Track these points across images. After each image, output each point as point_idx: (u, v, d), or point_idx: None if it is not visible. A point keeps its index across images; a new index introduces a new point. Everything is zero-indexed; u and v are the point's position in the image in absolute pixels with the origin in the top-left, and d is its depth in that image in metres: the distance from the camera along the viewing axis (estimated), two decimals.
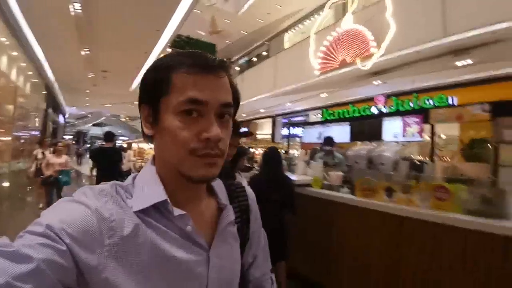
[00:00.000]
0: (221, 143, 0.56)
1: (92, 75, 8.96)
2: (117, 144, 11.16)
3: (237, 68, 16.39)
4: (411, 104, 8.45)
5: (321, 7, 9.65)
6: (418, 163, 4.18)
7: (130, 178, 0.62)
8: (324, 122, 11.15)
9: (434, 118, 5.90)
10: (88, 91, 11.77)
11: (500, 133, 3.91)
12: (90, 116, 25.35)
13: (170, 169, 0.58)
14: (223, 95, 0.57)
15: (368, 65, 7.13)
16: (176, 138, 0.54)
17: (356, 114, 9.96)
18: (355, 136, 8.43)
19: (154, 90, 0.57)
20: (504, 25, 5.15)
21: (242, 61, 16.75)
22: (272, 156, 3.21)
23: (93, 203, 0.52)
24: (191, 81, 0.54)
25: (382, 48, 6.92)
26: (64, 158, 6.62)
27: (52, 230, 0.46)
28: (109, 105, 15.96)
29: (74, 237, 0.47)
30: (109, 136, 5.63)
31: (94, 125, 30.84)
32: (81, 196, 0.53)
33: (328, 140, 5.27)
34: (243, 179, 2.56)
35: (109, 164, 5.36)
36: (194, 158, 0.55)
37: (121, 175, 5.57)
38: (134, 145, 13.97)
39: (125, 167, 7.48)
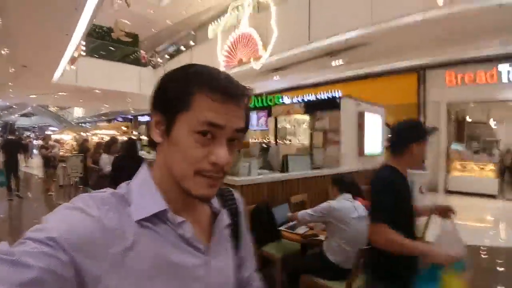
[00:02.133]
0: (226, 166, 0.58)
1: (13, 69, 9.51)
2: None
3: (167, 56, 17.15)
4: (261, 102, 10.85)
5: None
6: (265, 145, 5.89)
7: (124, 185, 0.62)
8: None
9: (274, 113, 7.75)
10: (11, 83, 12.11)
11: (313, 123, 5.65)
12: (15, 106, 24.63)
13: (172, 180, 0.59)
14: (238, 122, 0.59)
15: (258, 65, 8.72)
16: (186, 156, 0.56)
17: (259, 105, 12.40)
18: None
19: (173, 102, 0.57)
20: (353, 33, 6.89)
21: (171, 49, 17.51)
22: (131, 143, 4.46)
23: (95, 212, 0.52)
24: (213, 105, 0.55)
25: (268, 50, 8.53)
26: None
27: (54, 240, 0.46)
28: (33, 96, 16.08)
29: (77, 247, 0.48)
30: (12, 129, 6.82)
31: (22, 115, 29.71)
32: (82, 204, 0.53)
33: None
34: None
35: (12, 154, 6.71)
36: (199, 177, 0.56)
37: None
38: (56, 136, 14.32)
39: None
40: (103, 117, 24.04)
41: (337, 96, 10.65)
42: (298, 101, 8.07)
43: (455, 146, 10.05)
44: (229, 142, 0.59)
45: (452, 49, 7.87)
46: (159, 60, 15.84)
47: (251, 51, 8.87)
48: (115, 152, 4.99)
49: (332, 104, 5.10)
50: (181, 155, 0.56)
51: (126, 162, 4.08)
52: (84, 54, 10.31)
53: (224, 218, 0.71)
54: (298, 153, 4.84)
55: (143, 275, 0.53)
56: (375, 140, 5.60)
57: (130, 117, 21.92)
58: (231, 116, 0.57)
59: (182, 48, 16.38)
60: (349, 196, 2.60)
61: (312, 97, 10.64)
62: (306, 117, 6.35)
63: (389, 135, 1.82)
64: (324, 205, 2.52)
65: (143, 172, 0.63)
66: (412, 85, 9.29)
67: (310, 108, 5.65)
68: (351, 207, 2.47)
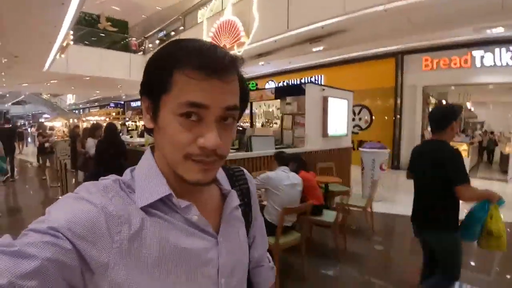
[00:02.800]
0: (219, 149, 0.54)
1: (5, 60, 9.95)
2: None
3: (157, 42, 17.42)
4: None
5: None
6: (241, 128, 6.43)
7: (128, 171, 0.61)
8: None
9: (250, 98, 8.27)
10: (3, 73, 12.56)
11: (283, 107, 6.16)
12: (8, 95, 25.00)
13: (169, 165, 0.57)
14: (228, 99, 0.54)
15: (241, 51, 9.15)
16: (172, 141, 0.53)
17: None
18: None
19: (154, 85, 0.54)
20: (328, 22, 7.31)
21: (161, 34, 17.76)
22: (110, 127, 4.96)
23: (99, 200, 0.52)
24: (194, 82, 0.51)
25: (250, 37, 8.94)
26: None
27: (57, 229, 0.46)
28: (26, 84, 16.45)
29: (81, 235, 0.47)
30: (7, 118, 7.31)
31: (14, 103, 30.02)
32: (85, 192, 0.53)
33: None
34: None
35: (8, 141, 7.29)
36: (189, 162, 0.54)
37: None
38: (49, 123, 14.81)
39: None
40: (96, 103, 24.51)
41: (318, 80, 11.24)
42: (271, 87, 8.52)
43: None
44: (221, 123, 0.54)
45: (428, 35, 8.31)
46: (149, 45, 16.07)
47: (234, 38, 9.28)
48: (98, 136, 5.44)
49: (299, 90, 5.59)
50: (169, 141, 0.54)
51: (107, 145, 4.64)
52: (72, 43, 10.62)
53: (234, 199, 0.68)
54: (263, 134, 5.34)
55: (151, 261, 0.53)
56: (340, 122, 6.13)
57: (122, 102, 22.39)
58: (216, 93, 0.52)
59: (172, 33, 16.61)
60: (285, 168, 3.14)
61: (297, 81, 11.19)
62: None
63: (432, 116, 2.29)
64: (263, 175, 3.06)
65: (146, 157, 0.62)
66: (390, 69, 9.76)
67: (280, 93, 6.13)
68: (284, 177, 3.02)
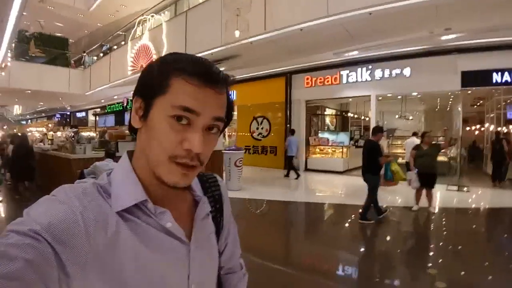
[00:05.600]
0: (202, 155, 0.59)
1: None
2: None
3: (101, 55, 19.23)
4: None
5: (162, 9, 13.17)
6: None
7: (104, 175, 0.64)
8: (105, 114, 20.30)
9: None
10: None
11: None
12: None
13: (148, 166, 0.60)
14: (217, 109, 0.60)
15: None
16: (160, 140, 0.57)
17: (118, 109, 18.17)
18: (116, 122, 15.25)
19: (151, 86, 0.59)
20: (214, 50, 9.54)
21: (104, 48, 19.59)
22: (21, 137, 7.12)
23: (77, 204, 0.54)
24: (189, 89, 0.56)
25: None
26: None
27: (38, 232, 0.48)
28: None
29: (60, 239, 0.49)
30: None
31: None
32: (64, 196, 0.55)
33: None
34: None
35: None
36: (172, 164, 0.57)
37: None
38: None
39: None
40: (43, 113, 25.97)
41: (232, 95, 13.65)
42: None
43: (342, 136, 13.24)
44: (207, 131, 0.60)
45: (304, 59, 10.79)
46: (94, 58, 17.75)
47: (147, 59, 11.47)
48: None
49: None
50: (156, 140, 0.58)
51: (19, 150, 6.87)
52: (9, 64, 12.34)
53: (206, 206, 0.72)
54: (128, 140, 7.48)
55: (124, 265, 0.55)
56: None
57: (68, 113, 24.04)
58: (208, 102, 0.58)
59: (115, 47, 18.44)
60: (110, 160, 5.30)
61: None
62: None
63: (372, 129, 6.07)
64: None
65: (123, 161, 0.65)
66: (282, 86, 12.27)
67: None
68: (106, 165, 5.17)
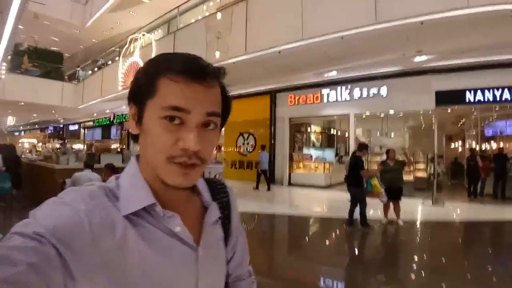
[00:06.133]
0: (202, 153, 0.58)
1: None
2: None
3: (95, 69, 19.77)
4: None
5: (155, 28, 13.89)
6: (120, 150, 8.99)
7: (113, 179, 0.64)
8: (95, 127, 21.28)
9: (127, 126, 11.12)
10: None
11: None
12: None
13: (153, 170, 0.60)
14: (208, 105, 0.59)
15: None
16: (155, 143, 0.57)
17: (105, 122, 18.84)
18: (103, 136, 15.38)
19: (140, 91, 0.59)
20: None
21: (99, 63, 20.17)
22: (8, 147, 7.55)
23: (84, 207, 0.54)
24: (176, 87, 0.56)
25: None
26: None
27: (42, 234, 0.47)
28: None
29: (65, 242, 0.49)
30: None
31: None
32: (70, 198, 0.55)
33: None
34: None
35: None
36: (171, 165, 0.57)
37: None
38: None
39: None
40: (36, 125, 26.47)
41: None
42: None
43: (328, 152, 13.71)
44: (203, 128, 0.59)
45: (291, 78, 11.33)
46: (89, 72, 18.33)
47: None
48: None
49: None
50: (152, 143, 0.58)
51: (7, 159, 7.29)
52: (3, 77, 12.87)
53: (215, 212, 0.72)
54: (109, 153, 7.93)
55: (132, 269, 0.55)
56: None
57: (60, 125, 24.52)
58: (198, 99, 0.58)
59: (109, 62, 19.00)
60: (89, 170, 5.67)
61: None
62: None
63: (358, 146, 6.75)
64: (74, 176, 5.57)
65: (131, 165, 0.65)
66: (267, 104, 12.80)
67: None
68: (85, 175, 5.53)
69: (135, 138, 0.64)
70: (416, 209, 8.37)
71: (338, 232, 6.47)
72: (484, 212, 8.54)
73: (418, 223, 7.23)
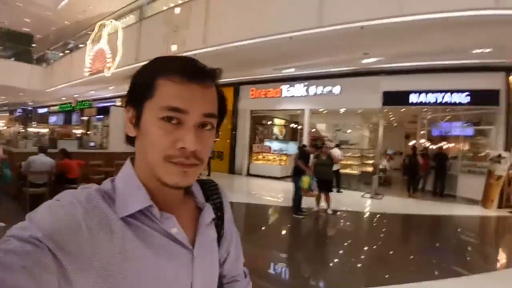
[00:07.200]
0: (199, 153, 0.60)
1: None
2: None
3: (67, 51, 19.83)
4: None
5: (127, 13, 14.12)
6: (79, 135, 9.52)
7: (108, 181, 0.65)
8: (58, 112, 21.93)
9: (85, 113, 11.52)
10: None
11: (104, 121, 9.43)
12: None
13: (150, 172, 0.61)
14: (206, 106, 0.61)
15: (108, 73, 12.27)
16: (153, 143, 0.59)
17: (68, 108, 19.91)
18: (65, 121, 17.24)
19: (139, 92, 0.61)
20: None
21: (70, 45, 20.21)
22: None
23: (81, 210, 0.54)
24: (174, 88, 0.58)
25: (114, 64, 12.11)
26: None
27: (38, 238, 0.48)
28: None
29: (61, 245, 0.49)
30: None
31: None
32: (67, 202, 0.56)
33: None
34: None
35: None
36: (169, 164, 0.59)
37: None
38: None
39: None
40: (5, 107, 26.38)
41: None
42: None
43: (291, 145, 14.44)
44: (200, 128, 0.61)
45: (254, 72, 11.98)
46: (60, 54, 18.47)
47: (102, 63, 12.42)
48: None
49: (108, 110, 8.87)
50: (150, 144, 0.59)
51: None
52: None
53: (210, 213, 0.73)
54: (69, 139, 8.46)
55: (129, 272, 0.56)
56: None
57: (29, 108, 24.57)
58: (195, 99, 0.59)
59: (81, 45, 19.09)
60: (42, 154, 6.14)
61: None
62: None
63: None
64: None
65: (126, 168, 0.66)
66: (230, 96, 13.41)
67: (100, 111, 9.38)
68: (39, 159, 6.01)
69: (131, 140, 0.66)
70: (355, 201, 9.22)
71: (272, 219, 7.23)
72: (414, 206, 9.45)
73: (347, 213, 8.06)
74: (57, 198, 0.57)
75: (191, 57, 0.63)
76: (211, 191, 0.81)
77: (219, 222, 0.79)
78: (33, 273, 0.45)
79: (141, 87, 0.61)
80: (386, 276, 4.18)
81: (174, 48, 8.73)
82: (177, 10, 9.17)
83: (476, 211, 8.64)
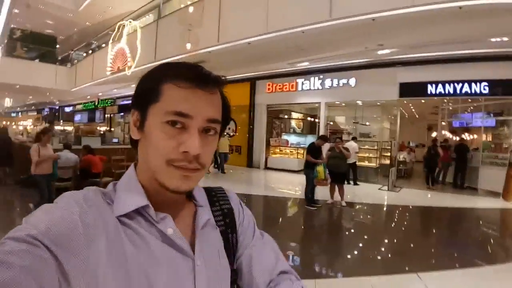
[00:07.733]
0: (202, 158, 0.61)
1: None
2: None
3: (90, 52, 20.61)
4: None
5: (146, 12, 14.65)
6: (102, 132, 10.00)
7: (111, 184, 0.67)
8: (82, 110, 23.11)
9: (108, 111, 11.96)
10: None
11: (125, 118, 9.81)
12: None
13: (151, 175, 0.62)
14: (210, 111, 0.62)
15: (129, 72, 12.74)
16: (156, 147, 0.59)
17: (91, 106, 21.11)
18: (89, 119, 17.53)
19: (144, 96, 0.62)
20: (179, 57, 10.91)
21: (93, 46, 21.00)
22: (2, 130, 8.57)
23: (76, 208, 0.55)
24: (180, 93, 0.59)
25: (134, 63, 12.56)
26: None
27: (35, 237, 0.48)
28: None
29: (59, 243, 0.50)
30: None
31: None
32: (63, 203, 0.56)
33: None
34: None
35: None
36: (171, 168, 0.59)
37: None
38: None
39: None
40: (32, 106, 27.70)
41: None
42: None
43: (310, 138, 14.51)
44: (204, 134, 0.62)
45: (269, 66, 12.14)
46: (83, 54, 19.24)
47: (123, 62, 12.90)
48: None
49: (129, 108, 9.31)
50: (154, 147, 0.60)
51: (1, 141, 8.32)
52: None
53: (204, 214, 0.71)
54: (93, 136, 8.90)
55: (125, 271, 0.55)
56: None
57: (56, 107, 25.69)
58: (200, 104, 0.60)
59: (103, 45, 19.77)
60: (67, 151, 6.63)
61: None
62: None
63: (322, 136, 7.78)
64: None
65: (129, 171, 0.68)
66: (247, 91, 13.67)
67: (122, 108, 9.79)
68: (64, 155, 6.46)
69: (135, 144, 0.67)
70: (371, 193, 9.31)
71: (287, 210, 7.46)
72: (432, 198, 9.48)
73: (361, 205, 8.16)
74: (55, 201, 0.58)
75: (196, 64, 0.65)
76: (218, 197, 0.80)
77: (227, 230, 0.76)
78: (32, 272, 0.45)
79: (146, 91, 0.62)
80: (393, 265, 4.33)
81: (188, 46, 9.00)
82: (191, 9, 9.44)
83: (496, 203, 8.54)
